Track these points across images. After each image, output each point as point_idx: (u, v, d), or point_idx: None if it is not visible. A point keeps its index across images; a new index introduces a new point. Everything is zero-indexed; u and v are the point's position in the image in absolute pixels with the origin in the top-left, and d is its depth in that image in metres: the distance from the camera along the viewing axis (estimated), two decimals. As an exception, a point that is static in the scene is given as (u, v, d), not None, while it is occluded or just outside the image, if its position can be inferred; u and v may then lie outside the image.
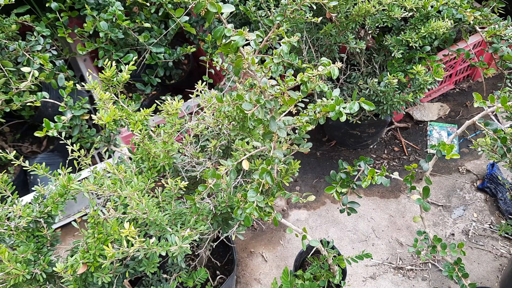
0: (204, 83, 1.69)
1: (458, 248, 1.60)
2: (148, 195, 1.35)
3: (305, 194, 1.52)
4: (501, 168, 2.51)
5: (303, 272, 1.72)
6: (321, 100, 1.31)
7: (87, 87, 1.53)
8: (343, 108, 1.22)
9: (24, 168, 1.48)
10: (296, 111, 1.48)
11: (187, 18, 2.09)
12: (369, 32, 2.24)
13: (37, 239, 1.41)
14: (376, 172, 1.52)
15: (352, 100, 1.24)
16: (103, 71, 1.53)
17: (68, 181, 1.39)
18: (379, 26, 2.06)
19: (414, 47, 2.03)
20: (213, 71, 2.32)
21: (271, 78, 1.27)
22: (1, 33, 2.02)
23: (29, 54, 1.97)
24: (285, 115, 1.33)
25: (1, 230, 1.34)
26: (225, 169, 1.26)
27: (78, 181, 1.42)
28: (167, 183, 1.37)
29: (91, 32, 2.11)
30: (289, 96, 1.21)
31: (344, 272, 1.85)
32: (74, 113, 1.93)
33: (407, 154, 2.66)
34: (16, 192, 1.45)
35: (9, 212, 1.36)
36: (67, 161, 1.58)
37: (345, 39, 2.06)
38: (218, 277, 1.97)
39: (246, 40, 1.09)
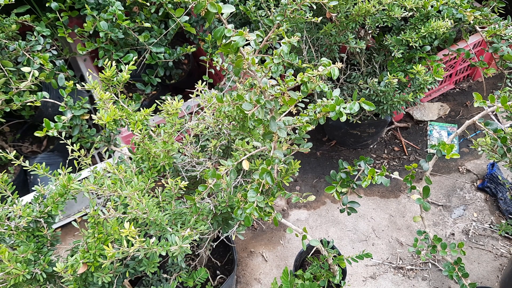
0: (204, 83, 1.69)
1: (458, 247, 1.60)
2: (148, 195, 1.35)
3: (305, 194, 1.52)
4: (501, 168, 2.51)
5: (303, 272, 1.72)
6: (321, 100, 1.31)
7: (87, 87, 1.53)
8: (343, 108, 1.22)
9: (24, 168, 1.48)
10: (296, 111, 1.48)
11: (187, 18, 2.09)
12: (369, 32, 2.24)
13: (37, 239, 1.41)
14: (376, 172, 1.52)
15: (352, 100, 1.24)
16: (103, 71, 1.53)
17: (68, 181, 1.39)
18: (379, 26, 2.05)
19: (414, 47, 2.03)
20: (213, 71, 2.32)
21: (271, 78, 1.27)
22: (1, 33, 2.02)
23: (29, 54, 1.97)
24: (285, 115, 1.33)
25: (1, 230, 1.34)
26: (225, 169, 1.26)
27: (78, 181, 1.42)
28: (167, 183, 1.37)
29: (91, 32, 2.11)
30: (289, 96, 1.21)
31: (344, 272, 1.85)
32: (74, 113, 1.93)
33: (407, 154, 2.66)
34: (16, 192, 1.45)
35: (9, 212, 1.36)
36: (67, 161, 1.58)
37: (345, 39, 2.06)
38: (218, 277, 1.97)
39: (246, 40, 1.09)
